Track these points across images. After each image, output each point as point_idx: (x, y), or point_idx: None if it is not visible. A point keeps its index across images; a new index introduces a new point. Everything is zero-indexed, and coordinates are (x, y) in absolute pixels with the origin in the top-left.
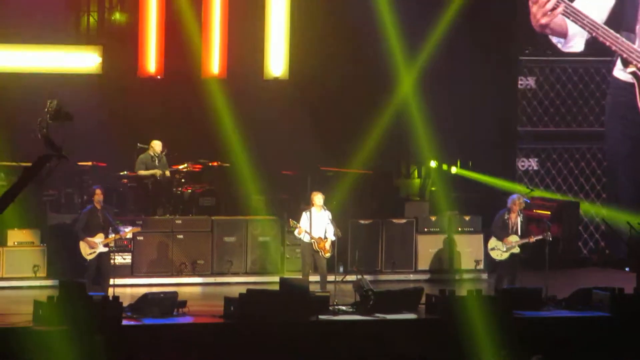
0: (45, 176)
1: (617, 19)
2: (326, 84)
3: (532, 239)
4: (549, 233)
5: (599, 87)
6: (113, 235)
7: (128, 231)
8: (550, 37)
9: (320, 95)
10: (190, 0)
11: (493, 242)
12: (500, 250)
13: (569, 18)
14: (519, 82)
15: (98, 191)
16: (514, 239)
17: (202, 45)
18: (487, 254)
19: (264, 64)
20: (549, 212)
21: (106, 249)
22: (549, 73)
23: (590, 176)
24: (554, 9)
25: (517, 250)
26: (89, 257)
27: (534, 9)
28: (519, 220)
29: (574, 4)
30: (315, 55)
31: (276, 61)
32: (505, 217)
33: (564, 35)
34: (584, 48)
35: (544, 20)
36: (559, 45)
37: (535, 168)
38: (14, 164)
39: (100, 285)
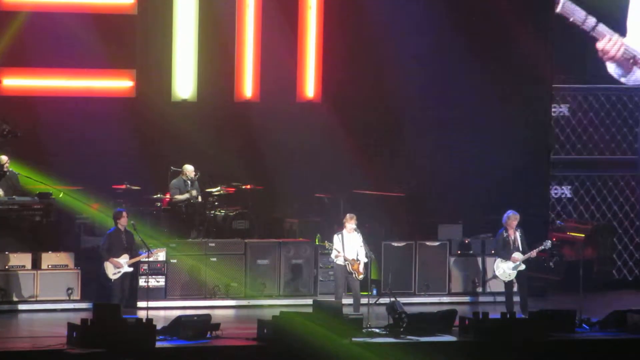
0: None
1: None
2: (359, 107)
3: (535, 252)
4: (548, 241)
5: (632, 114)
6: (138, 256)
7: (152, 253)
8: (613, 73)
9: (353, 118)
10: (223, 25)
11: (498, 263)
12: (507, 271)
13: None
14: (552, 109)
15: (122, 213)
16: (518, 256)
17: (235, 69)
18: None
19: (297, 86)
20: (584, 235)
21: (131, 269)
22: (582, 101)
23: (624, 203)
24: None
25: (522, 267)
26: (114, 277)
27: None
28: (518, 235)
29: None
30: (348, 77)
31: (309, 84)
32: (505, 235)
33: (629, 70)
34: None
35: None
36: (623, 80)
37: (569, 196)
38: (63, 188)
39: (132, 308)
